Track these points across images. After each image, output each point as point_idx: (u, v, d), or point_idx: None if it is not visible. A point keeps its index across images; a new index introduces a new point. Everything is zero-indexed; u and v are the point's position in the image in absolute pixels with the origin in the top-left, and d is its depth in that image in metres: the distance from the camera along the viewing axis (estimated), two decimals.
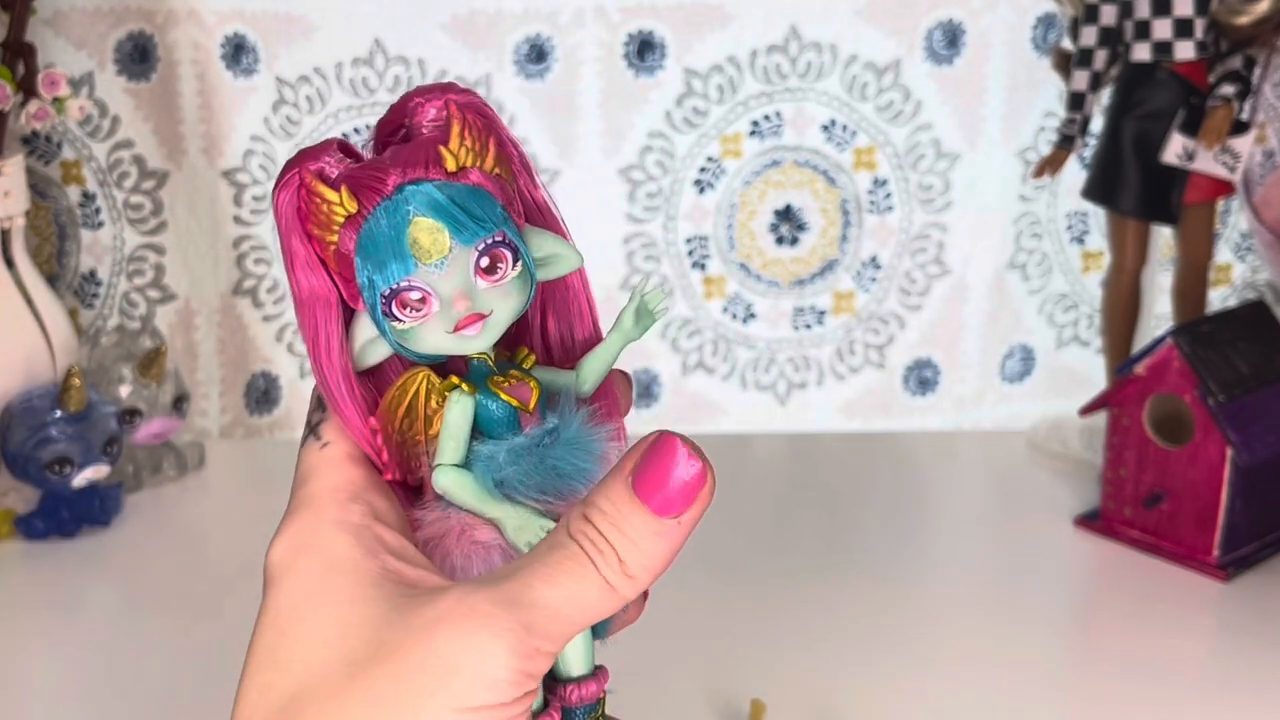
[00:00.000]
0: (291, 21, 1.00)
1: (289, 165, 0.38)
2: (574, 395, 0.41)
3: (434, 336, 0.38)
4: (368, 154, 0.39)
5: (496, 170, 0.39)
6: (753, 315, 1.09)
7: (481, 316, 0.38)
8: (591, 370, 0.41)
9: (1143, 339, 0.94)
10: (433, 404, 0.39)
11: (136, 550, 0.88)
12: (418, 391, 0.39)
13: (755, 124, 1.05)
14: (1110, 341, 0.95)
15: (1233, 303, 1.10)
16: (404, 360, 0.40)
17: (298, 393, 1.09)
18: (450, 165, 0.38)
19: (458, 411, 0.39)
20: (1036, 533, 0.89)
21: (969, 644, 0.76)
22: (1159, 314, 0.98)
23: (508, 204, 0.39)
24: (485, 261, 0.38)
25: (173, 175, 1.03)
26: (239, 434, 1.09)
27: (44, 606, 0.81)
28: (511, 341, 0.41)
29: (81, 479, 0.87)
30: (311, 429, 0.39)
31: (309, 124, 1.03)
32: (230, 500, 0.97)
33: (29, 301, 0.92)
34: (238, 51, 1.01)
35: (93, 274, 1.05)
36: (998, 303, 1.10)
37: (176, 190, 1.04)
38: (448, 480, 0.39)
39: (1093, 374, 1.06)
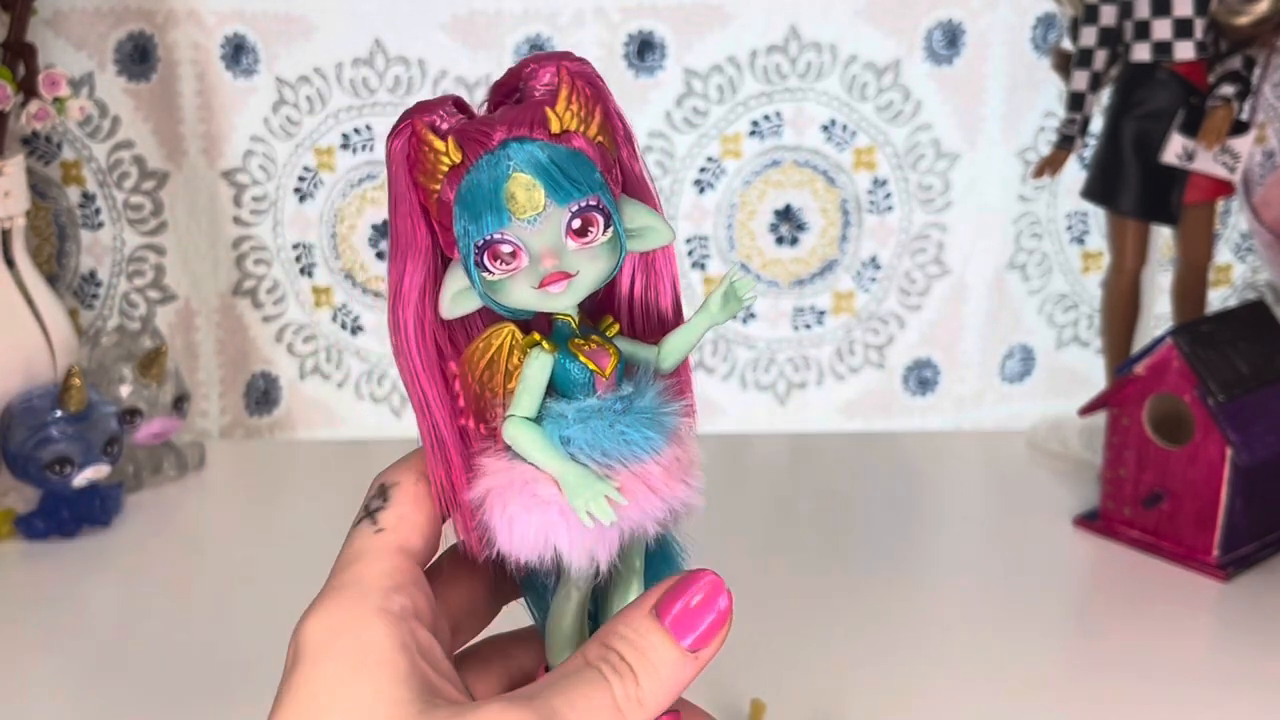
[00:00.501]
0: (291, 21, 1.00)
1: (405, 115, 0.39)
2: (653, 369, 0.42)
3: (520, 291, 0.39)
4: (480, 113, 0.40)
5: (599, 138, 0.40)
6: (752, 315, 1.09)
7: (567, 276, 0.39)
8: (674, 348, 0.42)
9: (1142, 339, 0.94)
10: (515, 359, 0.40)
11: (136, 550, 0.88)
12: (501, 345, 0.40)
13: (755, 124, 1.05)
14: (1110, 341, 0.95)
15: (1233, 303, 1.10)
16: (489, 317, 0.41)
17: (298, 393, 1.09)
18: (554, 127, 0.39)
19: (536, 367, 0.40)
20: (1036, 533, 0.89)
21: (969, 644, 0.76)
22: (1159, 314, 0.98)
23: (606, 171, 0.39)
24: (577, 223, 0.38)
25: (173, 175, 1.03)
26: (239, 434, 1.09)
27: (44, 606, 0.81)
28: (598, 309, 0.42)
29: (81, 479, 0.87)
30: (369, 513, 0.40)
31: (309, 124, 1.03)
32: (230, 500, 0.97)
33: (29, 301, 0.92)
34: (238, 52, 1.01)
35: (93, 274, 1.05)
36: (998, 303, 1.10)
37: (176, 190, 1.04)
38: (517, 431, 0.40)
39: (1093, 374, 1.06)
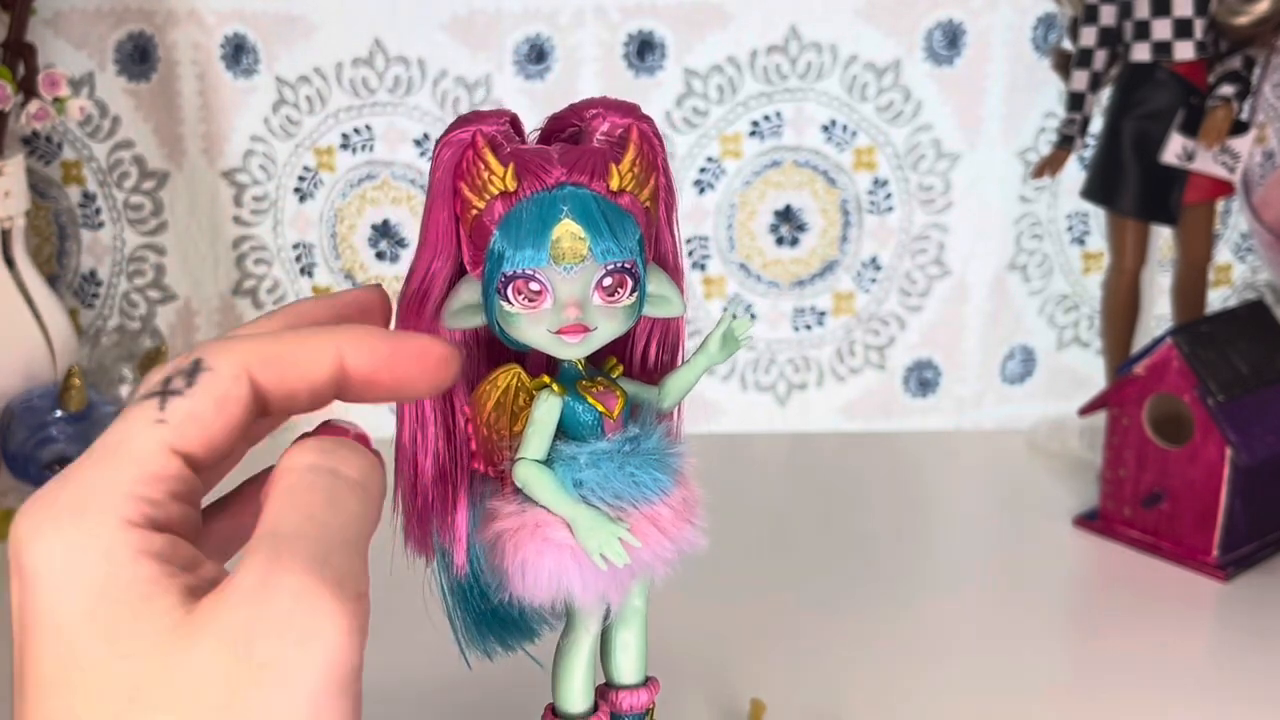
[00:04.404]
0: (291, 21, 1.00)
1: (464, 121, 0.39)
2: (655, 409, 0.42)
3: (535, 330, 0.39)
4: (532, 140, 0.41)
5: (648, 204, 0.40)
6: (753, 316, 1.09)
7: (586, 329, 0.39)
8: (674, 388, 0.43)
9: (1142, 339, 0.94)
10: (520, 400, 0.40)
11: None
12: (508, 387, 0.40)
13: (755, 124, 1.05)
14: (1110, 342, 0.95)
15: (1233, 303, 1.10)
16: (481, 353, 0.41)
17: None
18: (614, 184, 0.39)
19: (545, 409, 0.40)
20: (1036, 533, 0.89)
21: (969, 644, 0.76)
22: (1159, 314, 0.97)
23: (646, 236, 0.40)
24: (609, 281, 0.39)
25: (173, 175, 1.03)
26: None
27: None
28: (604, 350, 0.42)
29: None
30: (162, 393, 0.32)
31: (309, 124, 1.03)
32: None
33: (29, 301, 0.92)
34: (238, 52, 1.01)
35: (93, 274, 1.05)
36: (998, 304, 1.10)
37: (176, 190, 1.04)
38: (528, 474, 0.40)
39: (1093, 375, 1.06)
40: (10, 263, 0.92)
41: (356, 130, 1.03)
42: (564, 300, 0.39)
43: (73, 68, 0.99)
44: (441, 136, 0.39)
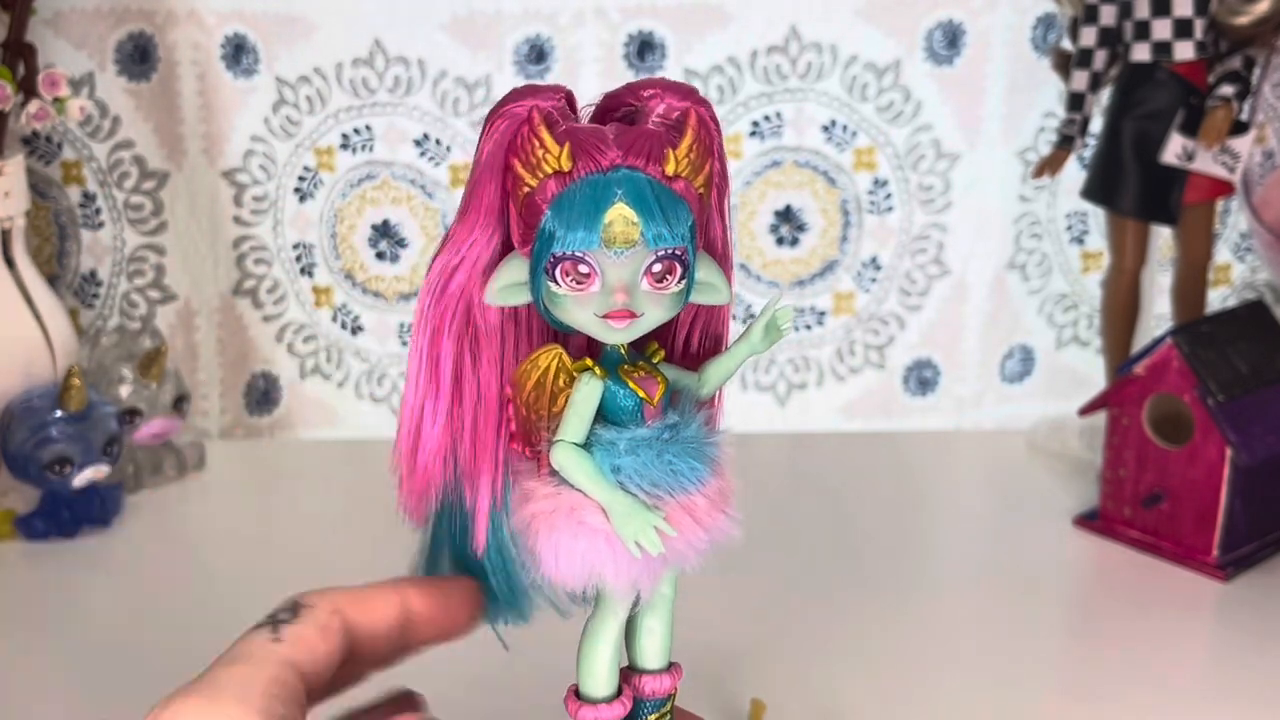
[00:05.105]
0: (291, 21, 1.00)
1: (519, 94, 0.39)
2: (694, 396, 0.42)
3: (581, 313, 0.39)
4: (585, 116, 0.40)
5: (701, 190, 0.39)
6: (753, 316, 1.09)
7: (633, 315, 0.39)
8: (714, 375, 0.43)
9: (1142, 339, 0.94)
10: (560, 382, 0.40)
11: (136, 550, 0.88)
12: (549, 368, 0.40)
13: (755, 124, 1.05)
14: (1110, 342, 0.95)
15: (1233, 303, 1.10)
16: (521, 331, 0.41)
17: (298, 393, 1.09)
18: (670, 169, 0.38)
19: (587, 392, 0.40)
20: (1036, 533, 0.89)
21: (968, 643, 0.76)
22: (1159, 314, 0.98)
23: (697, 223, 0.39)
24: (658, 268, 0.39)
25: (173, 175, 1.03)
26: (239, 434, 1.09)
27: (44, 606, 0.81)
28: (647, 335, 0.42)
29: (81, 479, 0.87)
30: (273, 622, 0.39)
31: (309, 124, 1.03)
32: (230, 500, 0.97)
33: (29, 301, 0.92)
34: (238, 52, 1.01)
35: (93, 274, 1.05)
36: (997, 303, 1.10)
37: (176, 190, 1.04)
38: (565, 457, 0.40)
39: (1093, 374, 1.06)
40: (10, 263, 0.92)
41: (356, 130, 1.03)
42: (612, 285, 0.38)
43: (73, 68, 0.99)
44: (496, 108, 0.39)
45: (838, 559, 0.85)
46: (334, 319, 1.08)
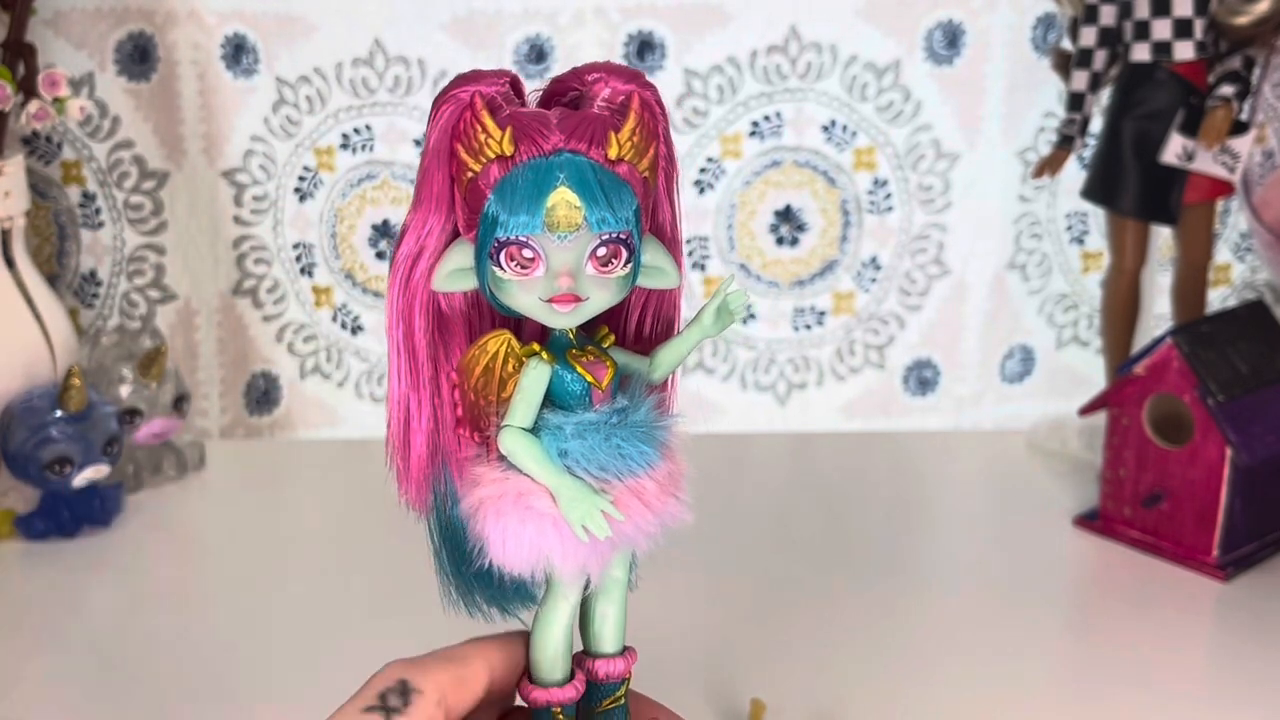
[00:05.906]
0: (291, 21, 1.00)
1: (463, 80, 0.39)
2: (644, 381, 0.42)
3: (526, 297, 0.39)
4: (532, 102, 0.40)
5: (646, 174, 0.39)
6: (752, 316, 1.09)
7: (578, 299, 0.39)
8: (665, 360, 0.43)
9: (1142, 339, 0.94)
10: (509, 367, 0.40)
11: (136, 550, 0.88)
12: (497, 353, 0.40)
13: (755, 124, 1.05)
14: (1110, 342, 0.95)
15: (1233, 303, 1.10)
16: (485, 316, 0.41)
17: (298, 393, 1.09)
18: (612, 153, 0.38)
19: (534, 377, 0.40)
20: (1036, 533, 0.89)
21: (968, 643, 0.76)
22: (1159, 314, 0.98)
23: (643, 206, 0.40)
24: (603, 251, 0.39)
25: (173, 175, 1.03)
26: (239, 434, 1.09)
27: (44, 606, 0.81)
28: (596, 320, 0.42)
29: (81, 479, 0.87)
30: (385, 710, 0.39)
31: (309, 124, 1.03)
32: (230, 500, 0.97)
33: (29, 301, 0.92)
34: (238, 51, 1.01)
35: (93, 274, 1.05)
36: (997, 303, 1.10)
37: (176, 190, 1.04)
38: (513, 442, 0.40)
39: (1093, 374, 1.06)
40: (10, 263, 0.92)
41: (356, 130, 1.03)
42: (557, 269, 0.38)
43: (73, 68, 0.99)
44: (441, 93, 0.39)
45: (838, 559, 0.85)
46: (334, 319, 1.08)
